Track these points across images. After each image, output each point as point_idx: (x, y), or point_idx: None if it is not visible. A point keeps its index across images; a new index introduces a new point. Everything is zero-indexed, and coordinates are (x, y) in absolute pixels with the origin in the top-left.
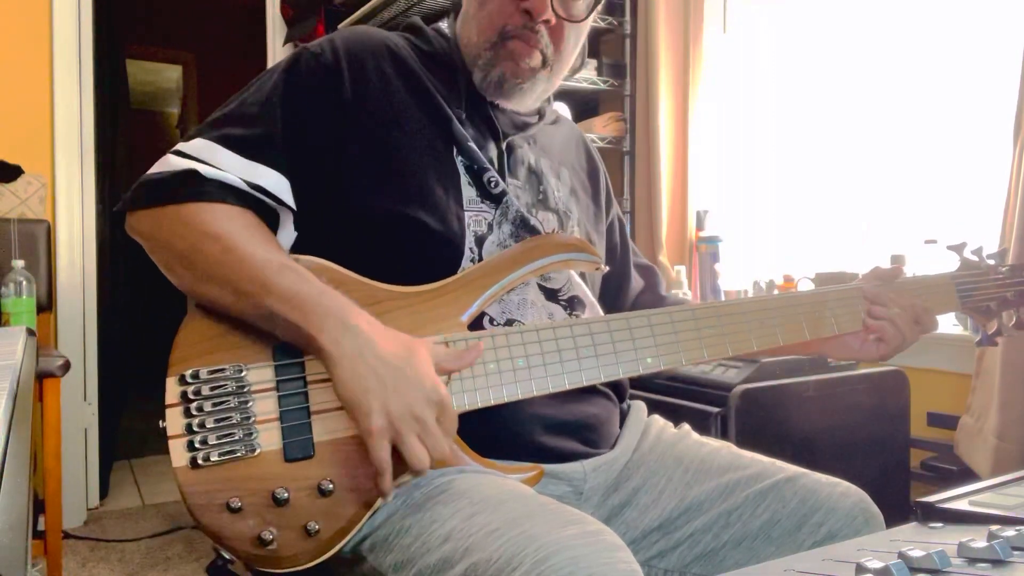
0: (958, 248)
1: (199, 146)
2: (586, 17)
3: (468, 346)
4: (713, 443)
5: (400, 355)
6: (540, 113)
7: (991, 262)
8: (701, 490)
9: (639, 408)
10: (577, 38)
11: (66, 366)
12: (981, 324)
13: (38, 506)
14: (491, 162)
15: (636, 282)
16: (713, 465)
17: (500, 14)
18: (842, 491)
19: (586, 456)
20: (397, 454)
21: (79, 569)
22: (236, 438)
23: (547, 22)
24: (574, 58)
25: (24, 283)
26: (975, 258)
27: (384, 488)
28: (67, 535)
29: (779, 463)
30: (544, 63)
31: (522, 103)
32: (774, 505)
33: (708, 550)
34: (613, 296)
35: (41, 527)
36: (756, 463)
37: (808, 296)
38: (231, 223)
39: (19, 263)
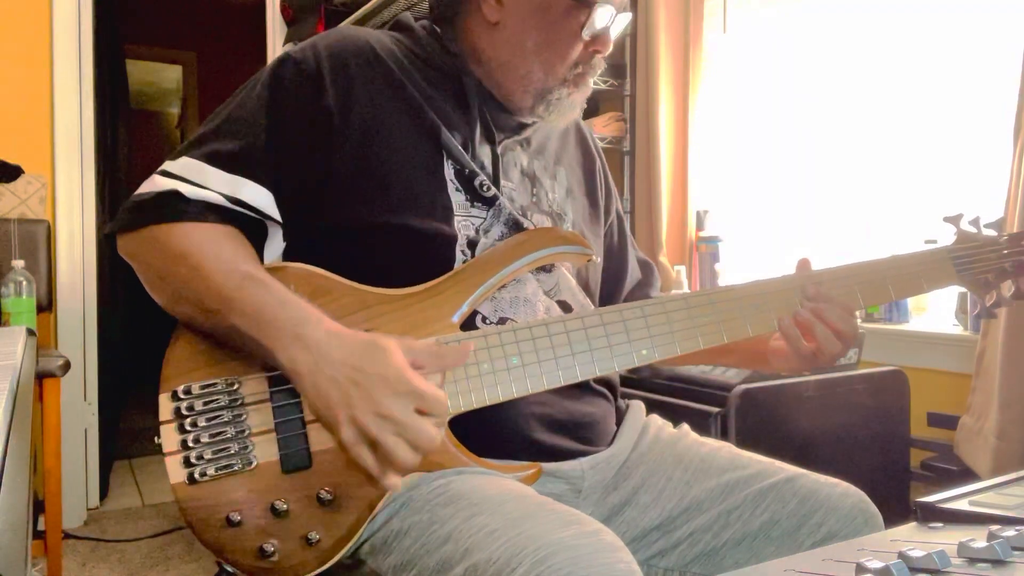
0: (955, 220)
1: (184, 165)
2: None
3: (456, 345)
4: (713, 443)
5: (360, 356)
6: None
7: (990, 232)
8: (701, 489)
9: (638, 407)
10: None
11: (66, 366)
12: (979, 296)
13: (38, 506)
14: (483, 166)
15: (633, 276)
16: (713, 465)
17: (573, 53)
18: (842, 491)
19: (583, 454)
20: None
21: (79, 569)
22: (232, 452)
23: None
24: None
25: (24, 283)
26: (973, 229)
27: (389, 485)
28: (67, 535)
29: (778, 463)
30: None
31: (573, 117)
32: (774, 505)
33: (708, 549)
34: (611, 291)
35: (41, 527)
36: (756, 463)
37: (802, 278)
38: (202, 241)
39: (19, 263)
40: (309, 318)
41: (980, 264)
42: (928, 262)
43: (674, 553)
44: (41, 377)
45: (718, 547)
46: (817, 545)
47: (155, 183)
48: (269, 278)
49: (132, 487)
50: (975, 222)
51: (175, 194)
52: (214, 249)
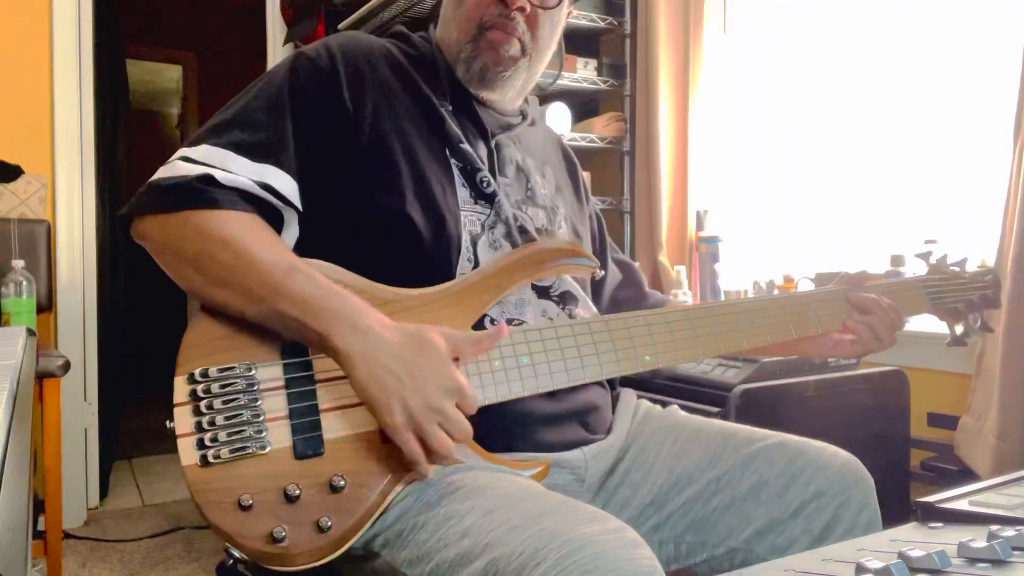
0: (925, 256)
1: (207, 152)
2: (558, 4)
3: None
4: (701, 418)
5: (413, 348)
6: (523, 114)
7: (955, 269)
8: (690, 460)
9: (628, 394)
10: (553, 27)
11: (66, 366)
12: (950, 325)
13: (38, 506)
14: (482, 161)
15: (613, 276)
16: (701, 435)
17: (476, 8)
18: (831, 452)
19: (585, 442)
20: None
21: (79, 569)
22: (246, 435)
23: (522, 10)
24: (551, 50)
25: (24, 283)
26: (940, 265)
27: (424, 472)
28: (67, 535)
29: (768, 431)
30: (523, 51)
31: (505, 93)
32: (762, 468)
33: (699, 517)
34: (592, 290)
35: (41, 527)
36: (744, 430)
37: (793, 299)
38: (241, 228)
39: (19, 263)
40: (362, 307)
41: (950, 295)
42: (905, 290)
43: (666, 525)
44: (41, 377)
45: (708, 513)
46: (807, 504)
47: (179, 168)
48: (312, 269)
49: (132, 487)
50: (942, 260)
51: (208, 178)
52: (257, 237)
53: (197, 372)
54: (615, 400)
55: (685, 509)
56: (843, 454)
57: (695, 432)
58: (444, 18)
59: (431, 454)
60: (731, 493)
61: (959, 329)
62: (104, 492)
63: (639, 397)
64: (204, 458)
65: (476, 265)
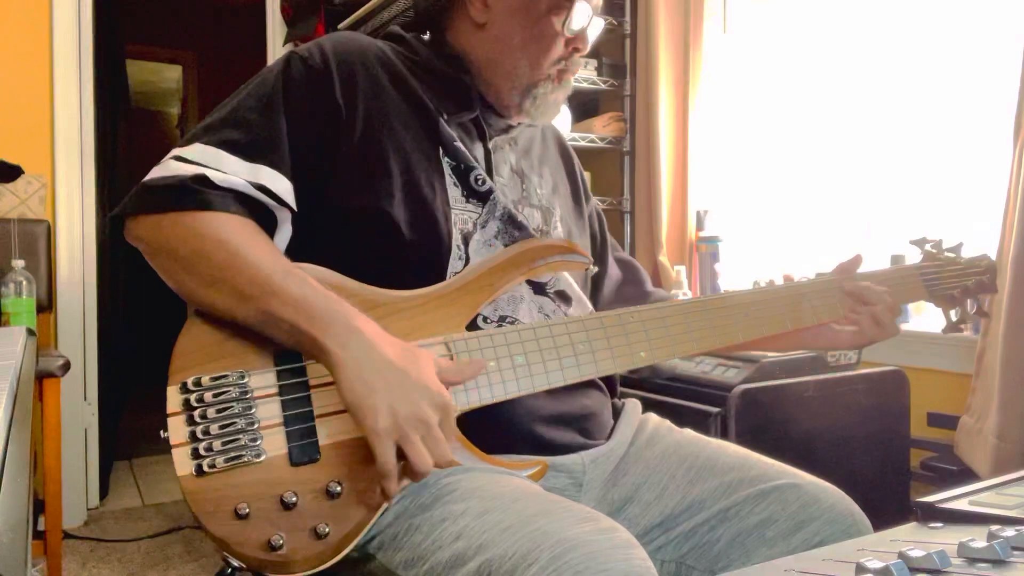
0: (919, 242)
1: (200, 152)
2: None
3: (471, 358)
4: (718, 442)
5: (405, 358)
6: None
7: (951, 255)
8: (704, 488)
9: (634, 404)
10: None
11: (66, 366)
12: (945, 312)
13: (38, 506)
14: (477, 161)
15: (613, 274)
16: (718, 464)
17: (555, 50)
18: (845, 505)
19: (583, 447)
20: (400, 457)
21: (79, 569)
22: (241, 444)
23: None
24: None
25: (24, 283)
26: (935, 252)
27: (389, 491)
28: (67, 535)
29: (786, 468)
30: None
31: (555, 116)
32: (773, 506)
33: (703, 542)
34: (592, 291)
35: (41, 527)
36: (762, 464)
37: (787, 289)
38: (236, 230)
39: (19, 263)
40: (357, 312)
41: (946, 281)
42: (901, 278)
43: (670, 546)
44: (41, 377)
45: (712, 541)
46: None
47: (172, 168)
48: (305, 273)
49: (132, 487)
50: (936, 245)
51: (202, 179)
52: (252, 240)
53: (190, 381)
54: (617, 408)
55: (691, 532)
56: (855, 509)
57: (711, 459)
58: (505, 43)
59: (405, 467)
60: (738, 525)
61: (955, 315)
62: (104, 492)
63: (643, 400)
64: (199, 468)
65: (468, 263)
